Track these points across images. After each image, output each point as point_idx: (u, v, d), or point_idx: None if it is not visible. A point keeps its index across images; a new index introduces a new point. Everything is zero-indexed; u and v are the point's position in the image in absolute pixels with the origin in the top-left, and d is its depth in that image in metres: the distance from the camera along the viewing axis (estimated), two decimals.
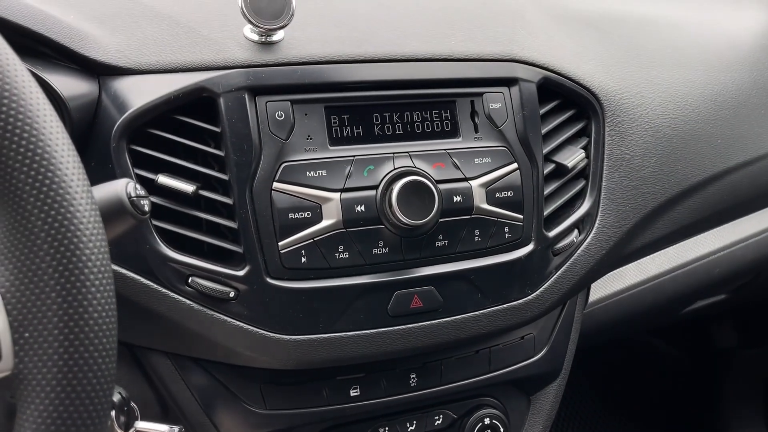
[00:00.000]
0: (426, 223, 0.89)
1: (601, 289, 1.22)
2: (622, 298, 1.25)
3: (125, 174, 0.82)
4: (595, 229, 1.07)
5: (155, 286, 0.85)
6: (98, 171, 0.82)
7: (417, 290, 0.93)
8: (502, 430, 1.07)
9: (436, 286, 0.94)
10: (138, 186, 0.63)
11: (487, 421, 1.06)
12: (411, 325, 0.94)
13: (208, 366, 0.94)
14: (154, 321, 0.87)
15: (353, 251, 0.89)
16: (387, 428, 1.03)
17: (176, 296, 0.85)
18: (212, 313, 0.86)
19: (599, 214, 1.07)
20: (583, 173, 1.08)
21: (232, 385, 0.94)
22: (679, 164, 1.16)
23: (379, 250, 0.90)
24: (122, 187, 0.61)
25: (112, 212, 0.58)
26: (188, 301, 0.85)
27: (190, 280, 0.85)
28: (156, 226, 0.84)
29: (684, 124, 1.18)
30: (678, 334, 2.21)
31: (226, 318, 0.87)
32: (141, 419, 0.88)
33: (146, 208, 0.63)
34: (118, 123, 0.82)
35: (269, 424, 0.95)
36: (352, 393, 0.98)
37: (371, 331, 0.92)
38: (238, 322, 0.87)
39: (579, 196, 1.07)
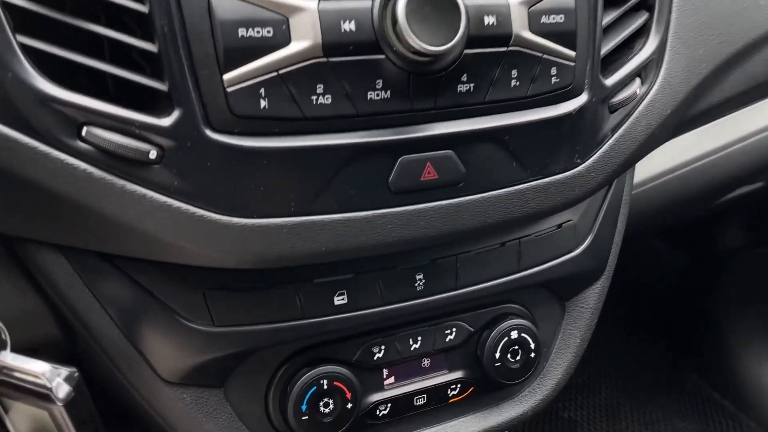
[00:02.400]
0: (447, 51, 0.58)
1: (648, 167, 0.96)
2: (669, 180, 0.99)
3: None
4: (660, 78, 0.79)
5: (28, 140, 0.53)
6: None
7: (430, 156, 0.64)
8: (532, 345, 0.81)
9: (456, 151, 0.65)
10: None
11: (513, 335, 0.80)
12: (420, 206, 0.66)
13: (125, 266, 0.65)
14: (34, 197, 0.57)
15: (337, 94, 0.59)
16: (382, 347, 0.76)
17: (63, 156, 0.54)
18: (122, 183, 0.56)
19: (666, 59, 0.79)
20: (645, 3, 0.78)
21: (162, 293, 0.66)
22: None
23: (377, 94, 0.60)
24: None
25: None
26: (83, 165, 0.55)
27: (84, 132, 0.54)
28: (25, 46, 0.52)
29: None
30: (680, 235, 2.00)
31: (144, 192, 0.56)
32: (26, 351, 0.59)
33: None
34: None
35: (219, 347, 0.67)
36: (337, 301, 0.70)
37: (364, 213, 0.64)
38: (165, 198, 0.57)
39: (641, 34, 0.78)
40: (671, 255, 2.05)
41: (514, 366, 0.81)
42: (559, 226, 0.81)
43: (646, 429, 1.89)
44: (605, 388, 1.99)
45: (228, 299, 0.66)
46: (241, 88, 0.56)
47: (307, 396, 0.70)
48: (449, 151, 0.65)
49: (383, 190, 0.64)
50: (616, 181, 0.86)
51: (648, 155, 0.87)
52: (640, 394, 1.98)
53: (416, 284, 0.73)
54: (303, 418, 0.70)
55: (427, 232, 0.67)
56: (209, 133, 0.56)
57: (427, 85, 0.62)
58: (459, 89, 0.63)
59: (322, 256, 0.64)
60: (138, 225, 0.58)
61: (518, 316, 0.82)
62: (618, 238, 0.88)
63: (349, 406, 0.73)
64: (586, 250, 0.83)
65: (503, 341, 0.79)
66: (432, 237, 0.68)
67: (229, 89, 0.56)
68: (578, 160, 0.73)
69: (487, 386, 0.82)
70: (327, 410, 0.72)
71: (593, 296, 0.87)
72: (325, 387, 0.71)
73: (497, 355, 0.80)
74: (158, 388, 0.68)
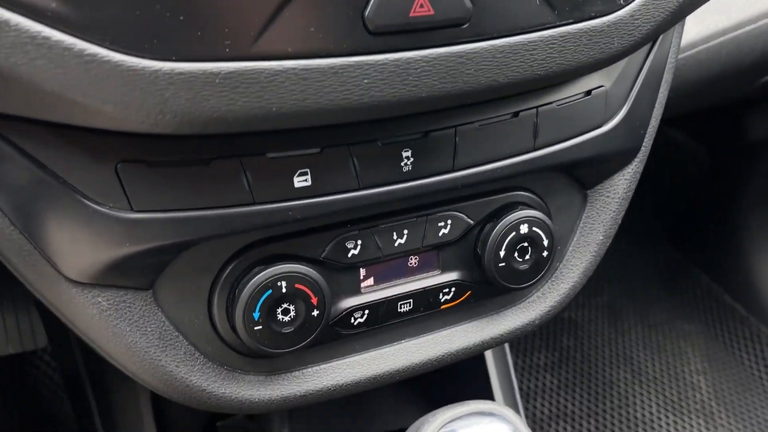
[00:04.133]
0: None
1: (698, 26, 0.77)
2: (722, 42, 0.80)
3: None
4: None
5: None
6: None
7: None
8: (545, 242, 0.66)
9: None
10: None
11: (523, 229, 0.64)
12: (409, 54, 0.48)
13: (7, 131, 0.48)
14: None
15: None
16: (359, 242, 0.60)
17: None
18: None
19: None
20: None
21: (61, 166, 0.49)
22: None
23: None
24: None
25: None
26: None
27: None
28: None
29: None
30: (700, 125, 1.82)
31: (6, 16, 0.39)
32: None
33: None
34: None
35: (139, 239, 0.51)
36: (298, 183, 0.53)
37: (329, 61, 0.46)
38: (40, 28, 0.40)
39: None
40: (690, 149, 1.88)
41: (521, 267, 0.66)
42: (588, 93, 0.63)
43: (649, 331, 1.80)
44: (608, 289, 1.89)
45: (149, 176, 0.49)
46: None
47: (260, 302, 0.55)
48: None
49: (356, 27, 0.46)
50: (662, 37, 0.68)
51: (700, 8, 0.67)
52: (643, 296, 1.88)
53: (402, 164, 0.57)
54: (256, 328, 0.56)
55: (417, 93, 0.50)
56: None
57: None
58: None
59: (272, 119, 0.47)
60: (3, 65, 0.40)
61: (529, 206, 0.66)
62: (658, 112, 0.70)
63: (315, 313, 0.58)
64: (619, 125, 0.66)
65: (510, 236, 0.64)
66: (423, 99, 0.50)
67: None
68: (621, 1, 0.55)
69: (487, 290, 0.67)
70: (287, 318, 0.57)
71: (622, 184, 0.71)
72: (284, 290, 0.56)
73: (502, 253, 0.64)
74: (64, 290, 0.53)
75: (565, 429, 1.57)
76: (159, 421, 0.83)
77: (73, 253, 0.51)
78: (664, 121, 0.73)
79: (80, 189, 0.49)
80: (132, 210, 0.50)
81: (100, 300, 0.53)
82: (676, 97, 0.76)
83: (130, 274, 0.53)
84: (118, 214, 0.50)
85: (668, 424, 1.58)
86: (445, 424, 0.46)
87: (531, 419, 1.59)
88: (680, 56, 0.77)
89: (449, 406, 0.48)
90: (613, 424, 1.59)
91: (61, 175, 0.49)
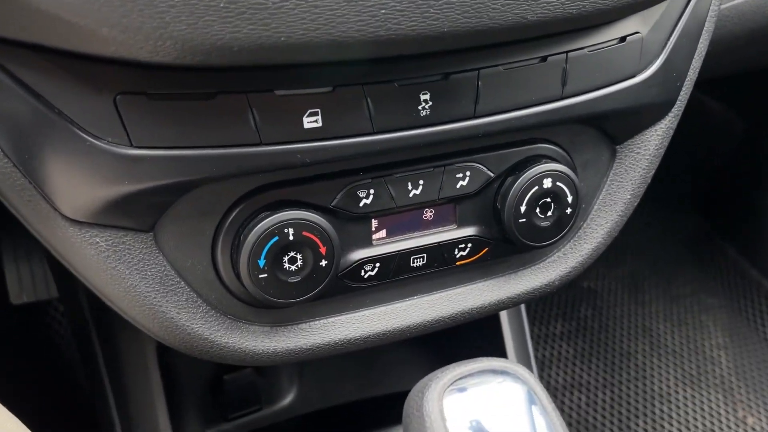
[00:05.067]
0: None
1: None
2: None
3: None
4: None
5: None
6: None
7: None
8: (569, 198, 0.62)
9: None
10: None
11: (546, 183, 0.61)
12: None
13: (3, 59, 0.45)
14: None
15: None
16: (371, 191, 0.57)
17: None
18: None
19: None
20: None
21: (57, 97, 0.46)
22: None
23: None
24: None
25: None
26: None
27: None
28: None
29: None
30: (733, 91, 1.74)
31: None
32: None
33: None
34: None
35: (139, 177, 0.48)
36: (308, 123, 0.50)
37: None
38: None
39: None
40: (722, 115, 1.81)
41: (543, 223, 0.62)
42: (622, 39, 0.59)
43: (670, 303, 1.75)
44: (630, 259, 1.84)
45: (150, 110, 0.46)
46: None
47: (266, 248, 0.53)
48: None
49: None
50: None
51: None
52: (667, 268, 1.83)
53: (420, 107, 0.53)
54: (261, 276, 0.53)
55: (438, 27, 0.46)
56: None
57: None
58: None
59: (280, 51, 0.43)
60: None
61: (554, 159, 0.62)
62: (696, 64, 0.66)
63: (324, 263, 0.55)
64: (654, 76, 0.61)
65: (532, 191, 0.60)
66: (445, 35, 0.47)
67: None
68: None
69: (505, 248, 0.64)
70: (293, 267, 0.54)
71: (654, 140, 0.66)
72: (291, 238, 0.53)
73: (523, 208, 0.61)
74: (61, 229, 0.50)
75: (579, 399, 1.55)
76: (165, 372, 0.82)
77: (70, 190, 0.48)
78: (697, 84, 0.68)
79: (77, 121, 0.46)
80: (131, 146, 0.47)
81: (98, 240, 0.50)
82: (715, 51, 0.71)
83: (129, 215, 0.50)
84: (117, 150, 0.47)
85: (686, 398, 1.55)
86: (454, 381, 0.44)
87: (545, 387, 1.57)
88: (723, 6, 0.72)
89: (460, 362, 0.45)
90: (628, 395, 1.56)
91: (58, 106, 0.46)
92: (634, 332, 1.68)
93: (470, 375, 0.44)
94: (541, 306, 1.71)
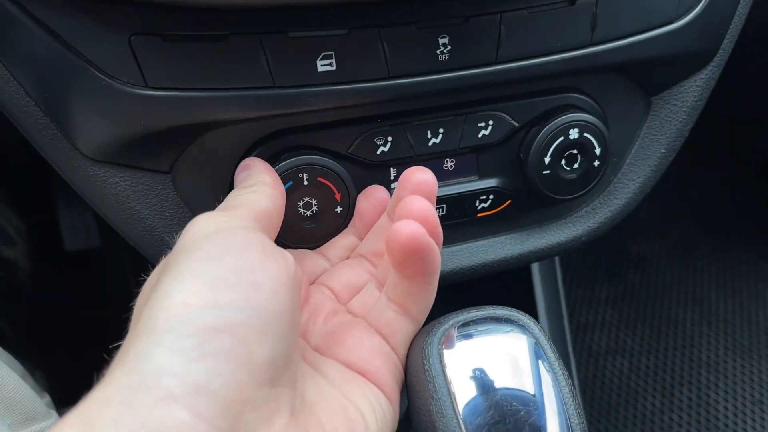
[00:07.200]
0: None
1: None
2: None
3: None
4: None
5: None
6: None
7: None
8: (597, 150, 0.60)
9: None
10: None
11: (573, 134, 0.58)
12: None
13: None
14: None
15: None
16: (389, 139, 0.56)
17: None
18: None
19: None
20: None
21: (76, 38, 0.47)
22: None
23: None
24: None
25: None
26: None
27: None
28: None
29: None
30: None
31: None
32: None
33: None
34: None
35: (155, 117, 0.49)
36: (321, 66, 0.50)
37: None
38: None
39: None
40: None
41: (568, 176, 0.60)
42: None
43: (724, 272, 1.69)
44: (684, 222, 1.77)
45: (164, 50, 0.47)
46: None
47: None
48: None
49: None
50: None
51: None
52: (723, 233, 1.76)
53: (438, 51, 0.52)
54: None
55: None
56: None
57: None
58: None
59: None
60: None
61: (582, 109, 0.59)
62: (743, 10, 0.61)
63: (339, 209, 0.55)
64: (694, 22, 0.58)
65: (557, 141, 0.58)
66: None
67: None
68: None
69: (529, 201, 0.63)
70: (308, 213, 0.55)
71: (693, 91, 0.63)
72: (306, 182, 0.53)
73: (547, 159, 0.59)
74: (81, 168, 0.52)
75: (621, 364, 1.52)
76: None
77: (89, 130, 0.50)
78: (751, 35, 0.63)
79: (94, 61, 0.47)
80: (146, 86, 0.48)
81: (117, 180, 0.52)
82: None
83: (146, 156, 0.51)
84: (132, 90, 0.48)
85: (734, 368, 1.50)
86: (457, 326, 0.43)
87: (587, 351, 1.55)
88: None
89: (464, 309, 0.45)
90: (674, 363, 1.52)
91: (75, 46, 0.47)
92: (683, 299, 1.63)
93: (473, 322, 0.44)
94: (586, 270, 1.68)
